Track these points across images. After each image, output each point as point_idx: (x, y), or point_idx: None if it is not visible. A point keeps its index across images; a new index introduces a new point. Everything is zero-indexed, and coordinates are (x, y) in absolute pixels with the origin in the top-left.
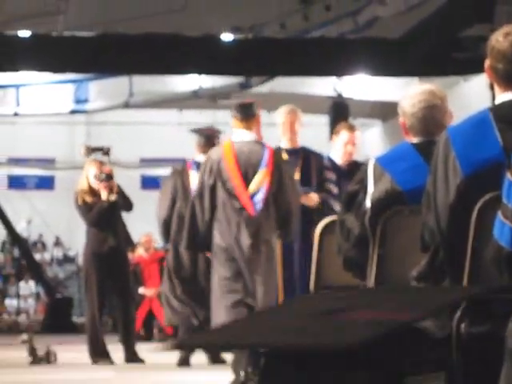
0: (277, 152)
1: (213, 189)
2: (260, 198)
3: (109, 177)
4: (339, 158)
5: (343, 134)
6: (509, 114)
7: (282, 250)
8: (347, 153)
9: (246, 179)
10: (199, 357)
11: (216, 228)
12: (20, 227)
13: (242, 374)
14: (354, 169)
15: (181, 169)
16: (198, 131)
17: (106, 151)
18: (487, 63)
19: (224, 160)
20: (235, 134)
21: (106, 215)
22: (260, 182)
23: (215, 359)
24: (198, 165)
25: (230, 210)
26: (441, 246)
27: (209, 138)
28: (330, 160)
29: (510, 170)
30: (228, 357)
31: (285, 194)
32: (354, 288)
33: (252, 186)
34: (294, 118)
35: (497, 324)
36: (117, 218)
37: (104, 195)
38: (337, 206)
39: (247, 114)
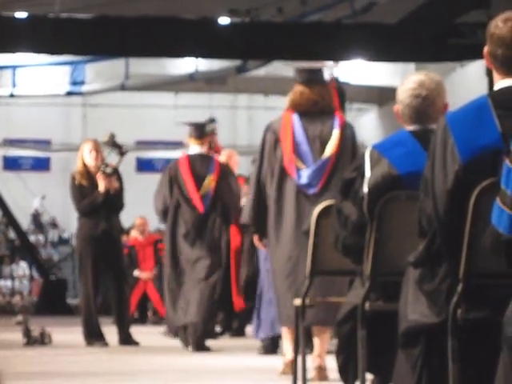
0: (222, 164)
1: (171, 190)
2: (208, 198)
3: (115, 171)
4: None
5: None
6: (507, 101)
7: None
8: None
9: (198, 184)
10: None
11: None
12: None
13: None
14: None
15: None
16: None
17: (123, 152)
18: (486, 49)
19: (181, 169)
20: (191, 148)
21: (98, 207)
22: (207, 185)
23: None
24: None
25: (185, 209)
26: (438, 231)
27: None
28: None
29: (509, 157)
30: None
31: (226, 196)
32: (350, 273)
33: (202, 189)
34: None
35: (494, 310)
36: (109, 204)
37: (101, 187)
38: None
39: (201, 134)
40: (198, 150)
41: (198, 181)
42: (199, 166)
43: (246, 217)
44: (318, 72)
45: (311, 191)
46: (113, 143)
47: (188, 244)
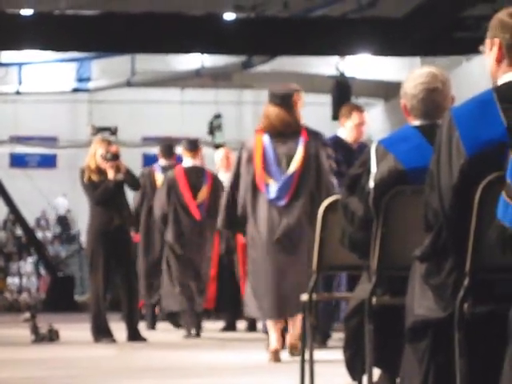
0: (214, 176)
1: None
2: (203, 206)
3: (115, 156)
4: (350, 139)
5: (355, 117)
6: None
7: None
8: (360, 133)
9: (194, 193)
10: (202, 337)
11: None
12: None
13: None
14: (363, 149)
15: (148, 172)
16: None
17: (113, 131)
18: (499, 40)
19: (178, 179)
20: (185, 161)
21: (111, 194)
22: (203, 196)
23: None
24: (160, 168)
25: (182, 216)
26: (444, 226)
27: (170, 148)
28: (339, 139)
29: None
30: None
31: (218, 205)
32: (357, 268)
33: (198, 198)
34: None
35: (500, 304)
36: (122, 197)
37: (110, 174)
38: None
39: (193, 147)
40: (191, 162)
41: (194, 191)
42: (194, 177)
43: (219, 224)
44: (290, 95)
45: (280, 203)
46: (99, 130)
47: (186, 247)
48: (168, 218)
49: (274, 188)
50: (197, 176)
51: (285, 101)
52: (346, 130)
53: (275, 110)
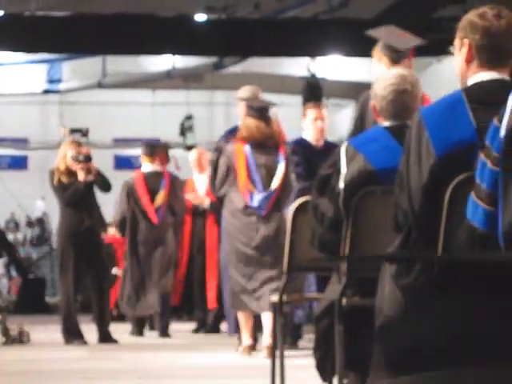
0: (172, 178)
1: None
2: (161, 210)
3: (88, 158)
4: (312, 138)
5: (310, 112)
6: (482, 95)
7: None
8: (318, 129)
9: (152, 198)
10: (174, 338)
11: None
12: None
13: None
14: (329, 148)
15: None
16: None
17: (84, 132)
18: (468, 41)
19: (136, 185)
20: (144, 166)
21: (81, 196)
22: (160, 199)
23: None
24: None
25: (141, 220)
26: (414, 226)
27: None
28: (303, 140)
29: (483, 151)
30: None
31: (177, 206)
32: (327, 269)
33: (156, 202)
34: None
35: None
36: (92, 199)
37: (81, 176)
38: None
39: (152, 152)
40: (150, 167)
41: (152, 195)
42: (153, 182)
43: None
44: (267, 108)
45: (261, 213)
46: (72, 131)
47: (145, 250)
48: (126, 222)
49: (257, 198)
50: (155, 180)
51: (262, 113)
52: (308, 130)
53: (254, 122)
